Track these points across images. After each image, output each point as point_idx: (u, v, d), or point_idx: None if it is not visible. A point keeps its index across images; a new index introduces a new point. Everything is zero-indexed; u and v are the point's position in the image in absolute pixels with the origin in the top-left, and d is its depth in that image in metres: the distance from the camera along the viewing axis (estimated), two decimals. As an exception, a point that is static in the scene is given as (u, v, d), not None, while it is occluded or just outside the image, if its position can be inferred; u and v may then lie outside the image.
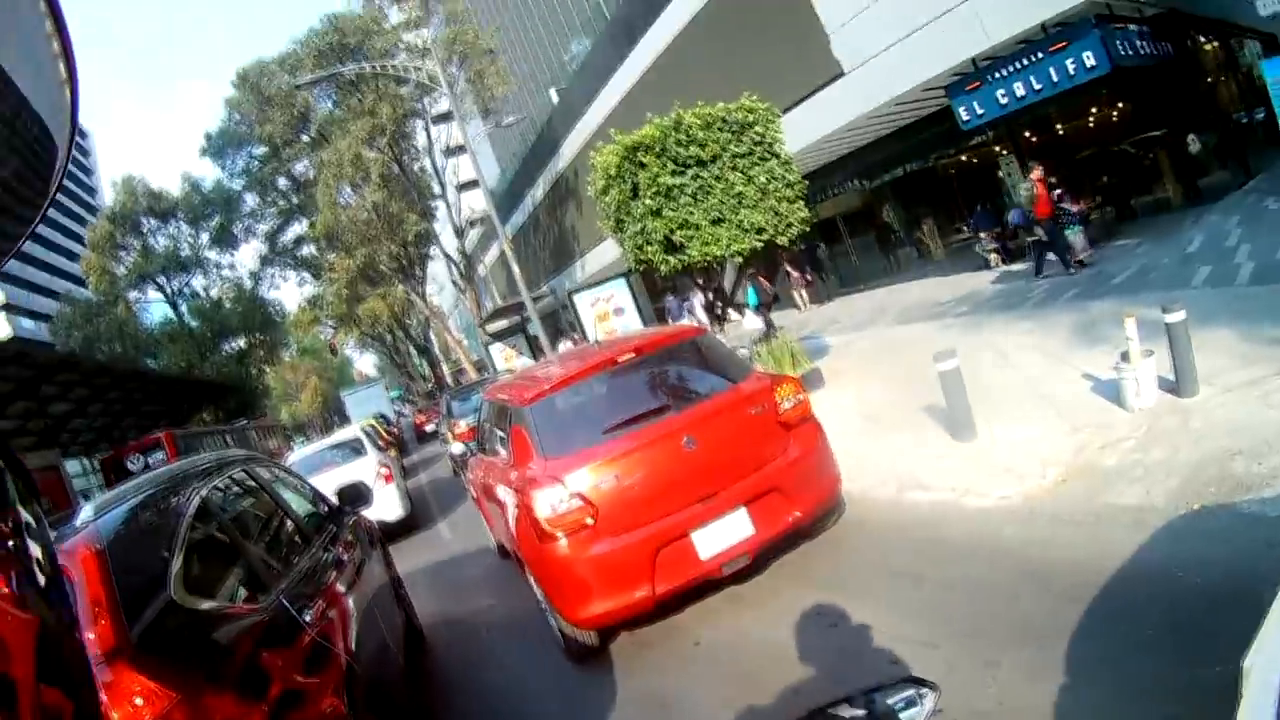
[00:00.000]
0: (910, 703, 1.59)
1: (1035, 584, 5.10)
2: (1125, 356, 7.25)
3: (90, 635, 2.77)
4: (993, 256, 20.29)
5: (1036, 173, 16.52)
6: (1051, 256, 16.46)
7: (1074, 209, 17.27)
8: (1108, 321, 9.79)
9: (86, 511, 3.58)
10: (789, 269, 26.21)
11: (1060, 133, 23.73)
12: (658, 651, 6.06)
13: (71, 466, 29.95)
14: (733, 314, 14.46)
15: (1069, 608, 4.58)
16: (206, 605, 3.57)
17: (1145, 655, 3.95)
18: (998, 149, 23.52)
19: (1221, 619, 3.65)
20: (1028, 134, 23.33)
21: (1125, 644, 4.13)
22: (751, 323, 16.33)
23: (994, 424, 8.08)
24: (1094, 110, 23.17)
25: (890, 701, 1.59)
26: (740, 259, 12.14)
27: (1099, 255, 16.60)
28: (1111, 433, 7.01)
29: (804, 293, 27.74)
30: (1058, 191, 17.27)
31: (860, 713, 1.55)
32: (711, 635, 5.99)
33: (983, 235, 20.72)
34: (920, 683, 1.63)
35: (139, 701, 2.69)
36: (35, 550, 1.14)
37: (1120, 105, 22.41)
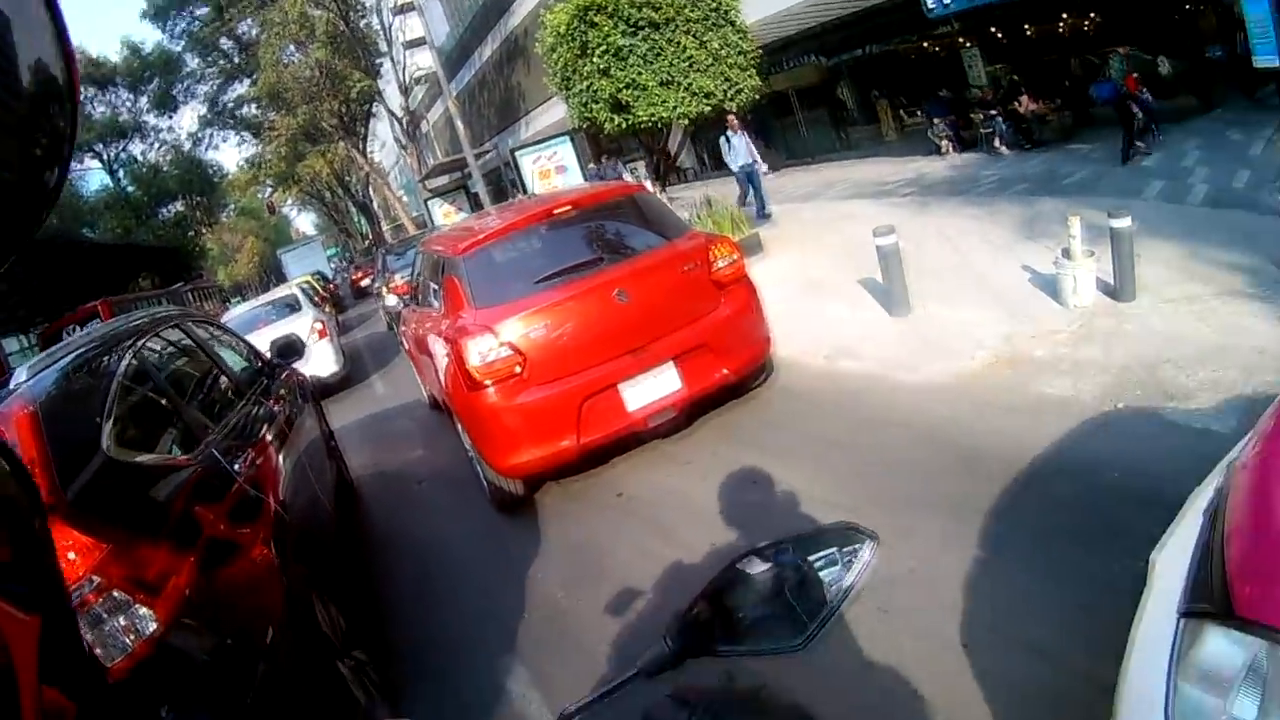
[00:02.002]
0: (841, 554, 1.58)
1: (958, 462, 5.17)
2: (1067, 253, 7.30)
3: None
4: (945, 143, 20.23)
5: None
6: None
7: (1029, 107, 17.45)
8: (1053, 219, 9.82)
9: (20, 373, 3.52)
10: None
11: (1028, 33, 23.54)
12: (582, 503, 6.15)
13: (9, 344, 29.33)
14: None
15: (988, 487, 4.67)
16: (140, 459, 3.57)
17: (1059, 541, 4.04)
18: (962, 40, 23.31)
19: (1136, 516, 3.68)
20: (994, 30, 23.13)
21: (1040, 527, 4.22)
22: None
23: (929, 303, 8.16)
24: (1065, 17, 22.97)
25: (822, 551, 1.56)
26: (687, 122, 12.04)
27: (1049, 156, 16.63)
28: (1045, 325, 7.09)
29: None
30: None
31: (791, 559, 1.51)
32: (635, 488, 6.07)
33: (936, 121, 20.63)
34: (858, 531, 1.59)
35: (72, 556, 2.70)
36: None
37: (1093, 16, 22.24)
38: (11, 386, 3.37)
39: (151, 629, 2.77)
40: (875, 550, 1.52)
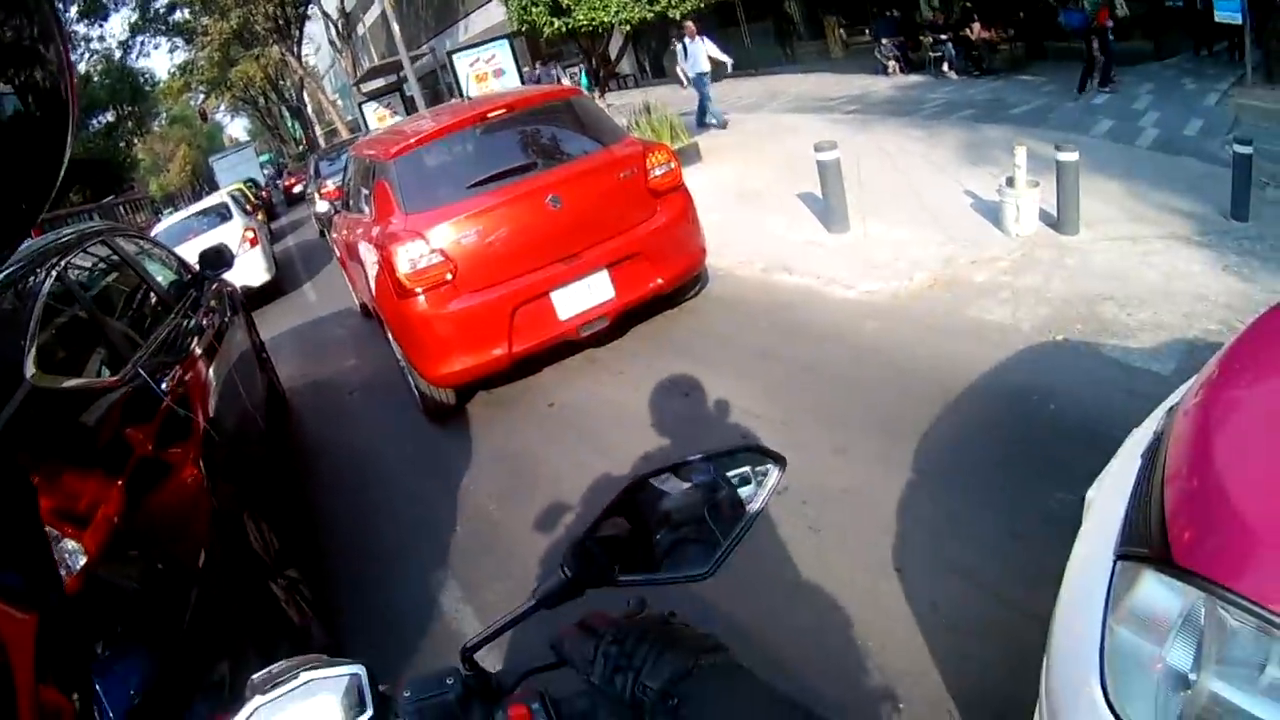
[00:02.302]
0: (754, 474, 1.54)
1: (893, 381, 5.19)
2: (1010, 182, 7.30)
3: None
4: (891, 64, 20.18)
5: None
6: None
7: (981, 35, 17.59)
8: (998, 146, 9.85)
9: None
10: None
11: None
12: (513, 412, 6.12)
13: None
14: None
15: (924, 408, 4.69)
16: (65, 384, 3.44)
17: (994, 467, 4.06)
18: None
19: (1072, 450, 3.74)
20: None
21: (976, 454, 4.23)
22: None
23: (868, 220, 8.13)
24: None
25: (733, 471, 1.52)
26: (629, 28, 11.82)
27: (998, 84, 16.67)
28: (985, 251, 7.10)
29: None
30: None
31: (703, 479, 1.46)
32: (566, 397, 6.06)
33: (885, 41, 20.53)
34: (766, 453, 1.54)
35: None
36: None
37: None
38: None
39: (81, 563, 2.68)
40: (783, 474, 1.46)
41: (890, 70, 20.06)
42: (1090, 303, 5.86)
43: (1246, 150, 7.28)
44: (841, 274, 7.12)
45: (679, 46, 15.91)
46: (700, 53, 15.87)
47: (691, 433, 5.08)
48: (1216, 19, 14.67)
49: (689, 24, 15.90)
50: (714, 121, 16.21)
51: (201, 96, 58.19)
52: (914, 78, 19.20)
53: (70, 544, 2.68)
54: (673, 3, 11.42)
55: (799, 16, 27.20)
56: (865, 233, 7.95)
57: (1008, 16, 19.84)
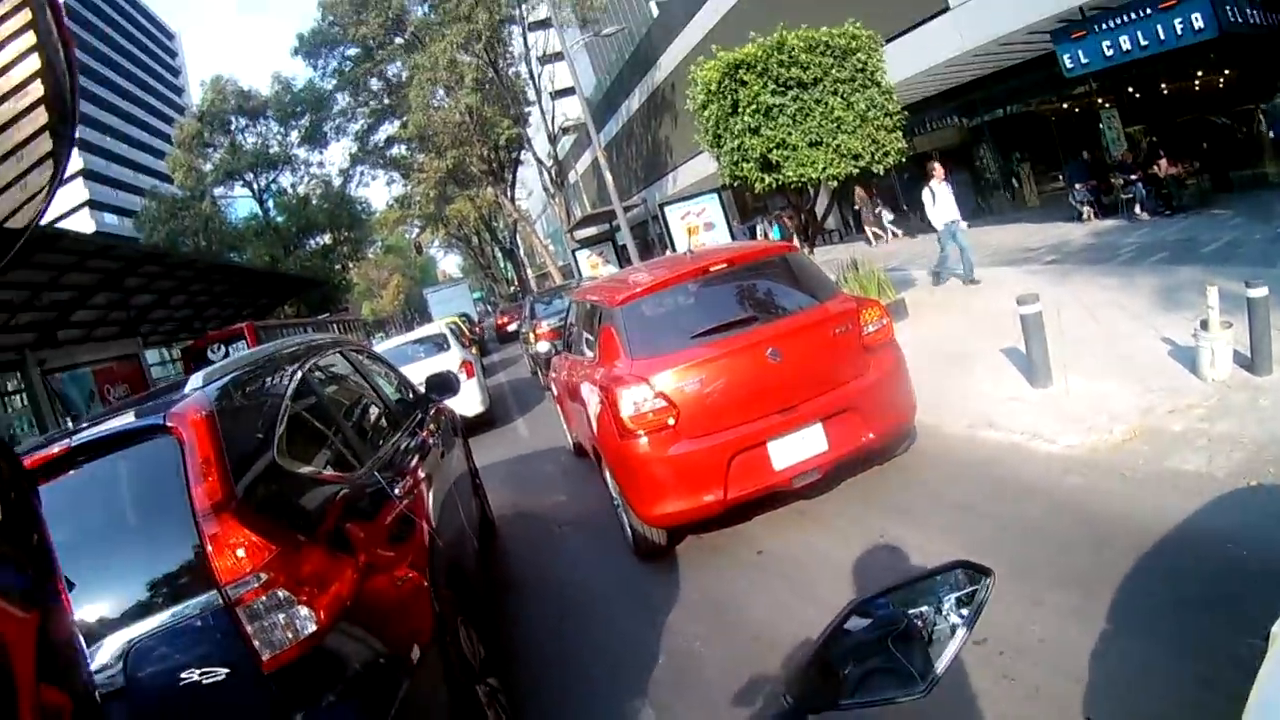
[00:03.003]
0: (964, 586, 1.66)
1: (1090, 533, 5.19)
2: (1204, 325, 7.17)
3: (199, 490, 3.00)
4: (1085, 209, 19.92)
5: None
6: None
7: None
8: (1191, 288, 9.64)
9: (195, 380, 3.76)
10: (864, 200, 25.95)
11: (1164, 92, 23.10)
12: (722, 556, 6.26)
13: (150, 356, 30.70)
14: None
15: (1119, 560, 4.68)
16: (305, 470, 3.82)
17: (1186, 615, 4.04)
18: (1100, 101, 22.98)
19: (1266, 593, 3.71)
20: (1131, 89, 22.76)
21: (1168, 602, 4.21)
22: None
23: (1070, 373, 8.06)
24: (1200, 74, 22.49)
25: (944, 587, 1.64)
26: (835, 183, 12.14)
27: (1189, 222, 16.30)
28: (1182, 399, 6.98)
29: (877, 229, 27.77)
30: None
31: (897, 613, 1.60)
32: (774, 545, 6.17)
33: (1078, 186, 20.32)
34: (973, 567, 1.65)
35: (241, 554, 2.92)
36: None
37: (1227, 72, 21.75)
38: (186, 391, 3.60)
39: (310, 629, 2.99)
40: (991, 587, 1.60)
41: (1085, 216, 19.83)
42: None
43: None
44: (1043, 429, 7.10)
45: (925, 191, 15.18)
46: (950, 197, 15.07)
47: (893, 582, 5.14)
48: None
49: (936, 165, 15.44)
50: (942, 273, 15.38)
51: (417, 230, 61.21)
52: (1108, 222, 18.95)
53: (304, 610, 2.99)
54: (875, 157, 11.66)
55: (993, 164, 27.20)
56: (1067, 386, 7.90)
57: (1192, 148, 19.57)
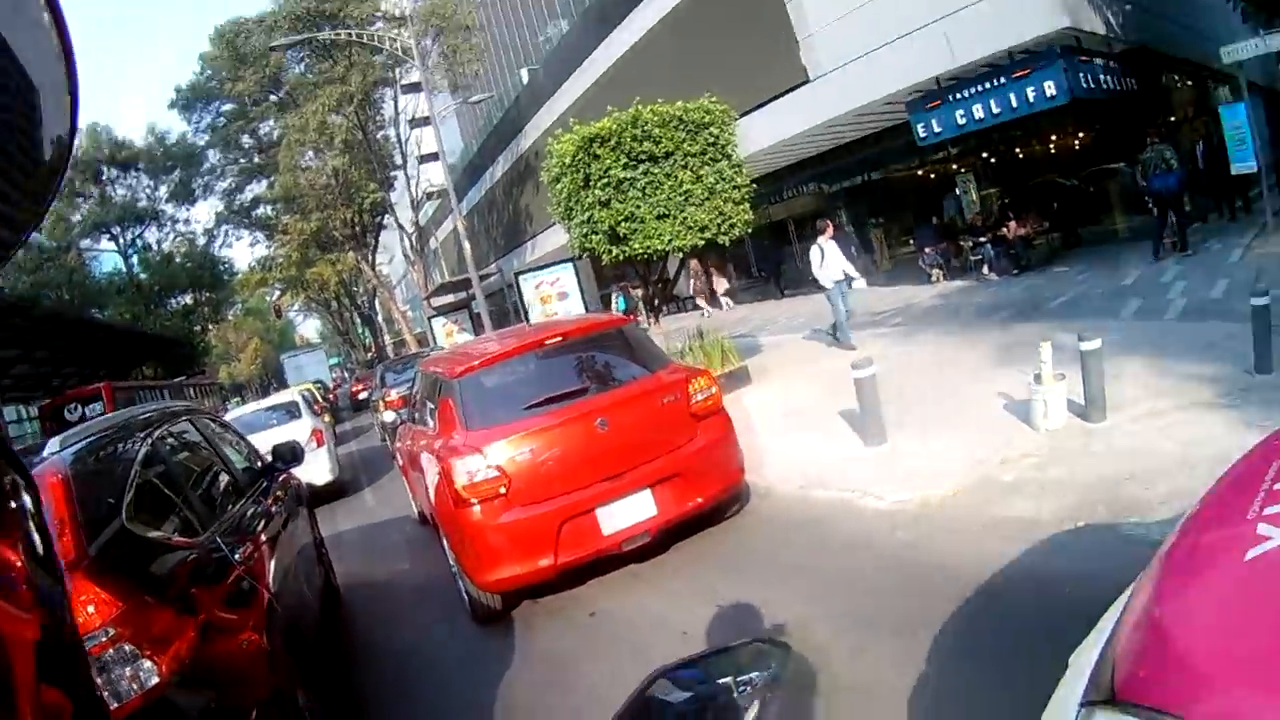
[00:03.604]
0: (760, 663, 1.66)
1: (915, 583, 5.40)
2: (1038, 379, 7.56)
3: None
4: (935, 272, 20.75)
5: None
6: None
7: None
8: (1030, 344, 9.99)
9: (53, 444, 3.93)
10: (697, 272, 26.60)
11: (1019, 155, 24.20)
12: (557, 619, 6.35)
13: (8, 413, 29.67)
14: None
15: (942, 606, 4.86)
16: (152, 534, 4.00)
17: (1007, 657, 4.19)
18: (955, 166, 23.94)
19: (1085, 627, 3.93)
20: (985, 154, 23.77)
21: (988, 644, 4.43)
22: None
23: (905, 432, 8.40)
24: (1055, 137, 23.67)
25: (739, 661, 1.66)
26: (681, 254, 12.41)
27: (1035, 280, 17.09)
28: (1015, 449, 7.31)
29: (706, 299, 28.94)
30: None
31: (702, 688, 1.61)
32: (608, 607, 6.29)
33: (927, 250, 21.18)
34: (772, 643, 1.69)
35: (91, 610, 3.07)
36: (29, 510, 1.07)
37: (1081, 135, 22.92)
38: (45, 455, 3.77)
39: (153, 682, 3.11)
40: (787, 661, 1.62)
41: (934, 278, 20.62)
42: (1113, 485, 6.04)
43: (1263, 301, 7.52)
44: (875, 486, 7.34)
45: (814, 249, 14.50)
46: (839, 257, 14.39)
47: (723, 640, 5.25)
48: (1233, 171, 15.40)
49: (824, 221, 15.07)
50: (845, 340, 14.40)
51: (277, 293, 60.24)
52: (957, 283, 19.74)
53: (147, 663, 3.13)
54: (722, 229, 11.96)
55: (850, 230, 28.06)
56: (901, 443, 8.21)
57: (1044, 208, 20.59)
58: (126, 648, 3.10)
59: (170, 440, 5.18)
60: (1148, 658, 1.94)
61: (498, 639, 6.32)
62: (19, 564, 0.95)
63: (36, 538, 1.00)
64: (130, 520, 3.76)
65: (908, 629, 4.75)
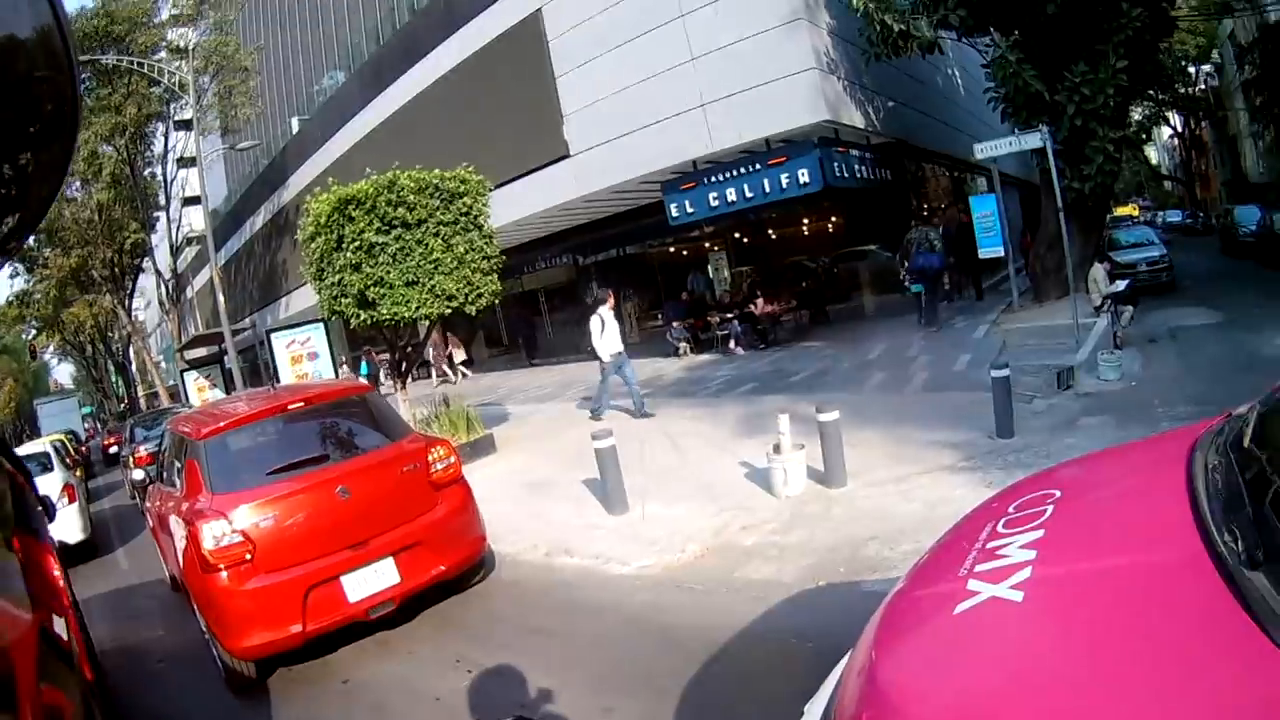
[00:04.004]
0: None
1: (660, 643, 5.75)
2: (777, 448, 8.09)
3: None
4: (682, 345, 21.33)
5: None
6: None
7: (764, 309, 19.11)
8: (772, 416, 10.39)
9: None
10: (436, 342, 27.01)
11: (773, 236, 25.32)
12: (312, 688, 6.38)
13: None
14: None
15: (687, 664, 5.20)
16: None
17: (751, 708, 4.57)
18: (709, 245, 24.95)
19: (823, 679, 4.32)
20: (738, 234, 24.84)
21: (731, 697, 4.77)
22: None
23: (648, 501, 8.77)
24: (808, 220, 24.88)
25: None
26: (428, 322, 12.57)
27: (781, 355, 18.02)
28: (755, 515, 7.77)
29: (446, 369, 29.31)
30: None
31: None
32: (360, 675, 6.37)
33: (675, 324, 21.72)
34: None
35: None
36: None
37: (835, 218, 24.21)
38: None
39: None
40: None
41: (681, 351, 21.20)
42: (854, 545, 6.52)
43: (1003, 373, 8.31)
44: (618, 552, 7.68)
45: (595, 319, 14.16)
46: (617, 329, 14.25)
47: (474, 707, 5.46)
48: (981, 255, 16.89)
49: (604, 290, 14.86)
50: (600, 408, 14.60)
51: (34, 331, 56.63)
52: (704, 356, 20.37)
53: None
54: (469, 298, 12.16)
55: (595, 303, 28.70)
56: (643, 512, 8.54)
57: (794, 287, 21.58)
58: None
59: None
60: (865, 707, 2.13)
61: (255, 709, 6.30)
62: (16, 563, 0.98)
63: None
64: None
65: (656, 687, 5.05)
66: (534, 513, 9.42)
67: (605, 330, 14.00)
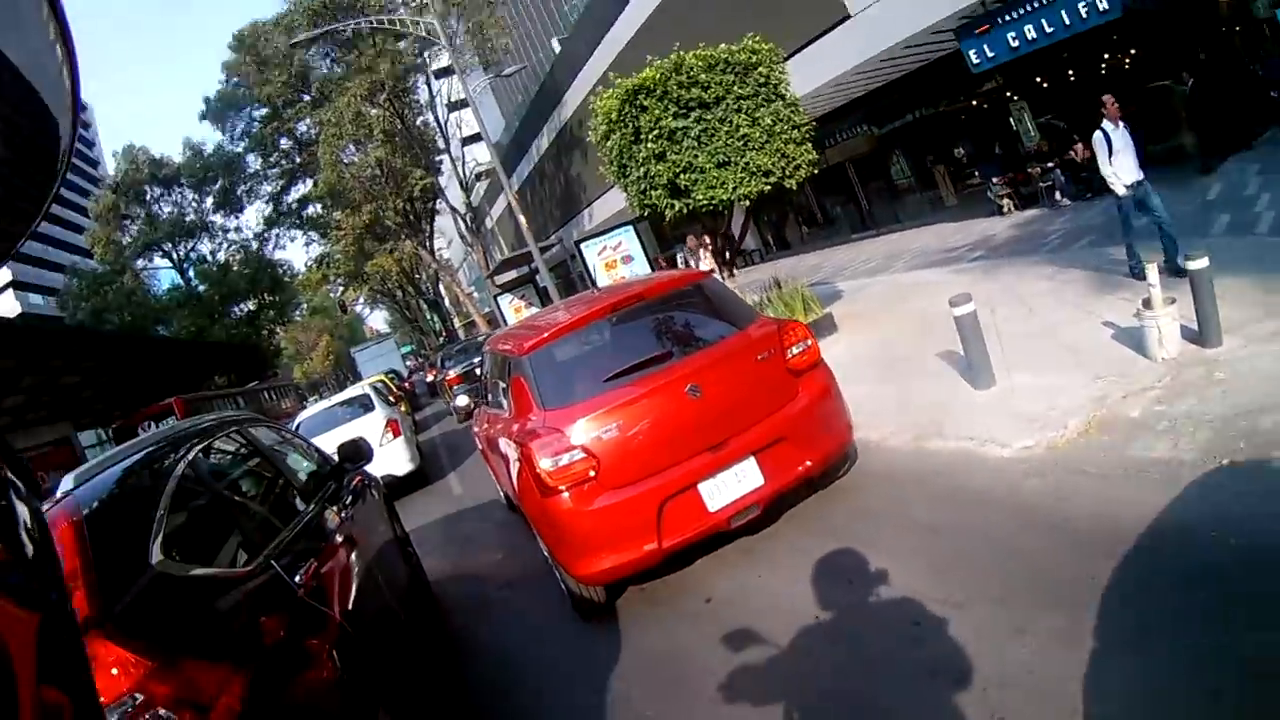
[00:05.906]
0: None
1: (1062, 540, 4.85)
2: (1147, 304, 7.02)
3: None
4: (1005, 202, 20.08)
5: None
6: None
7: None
8: (1124, 268, 9.66)
9: (66, 482, 3.48)
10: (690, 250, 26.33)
11: (1071, 79, 23.41)
12: (668, 609, 5.88)
13: (86, 438, 30.24)
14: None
15: (1099, 568, 4.35)
16: (191, 571, 3.45)
17: (1180, 621, 3.75)
18: (1009, 94, 23.25)
19: (1261, 582, 3.45)
20: (1038, 79, 23.00)
21: (1158, 609, 3.91)
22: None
23: (1013, 371, 7.87)
24: (1106, 57, 22.82)
25: None
26: (748, 202, 11.93)
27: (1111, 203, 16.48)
28: (1135, 382, 6.76)
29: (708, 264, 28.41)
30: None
31: None
32: (723, 591, 5.79)
33: (994, 180, 20.50)
34: None
35: (114, 671, 2.60)
36: (23, 513, 1.12)
37: (1132, 52, 22.08)
38: (57, 495, 3.30)
39: None
40: None
41: (1005, 209, 20.00)
42: (1250, 416, 5.50)
43: None
44: (994, 432, 6.80)
45: (1097, 137, 10.18)
46: (1130, 146, 10.11)
47: (857, 622, 4.78)
48: None
49: (1108, 97, 10.30)
50: (1139, 264, 9.43)
51: (340, 288, 60.80)
52: (1030, 212, 19.15)
53: None
54: (788, 172, 11.49)
55: (908, 169, 27.45)
56: (1012, 384, 7.66)
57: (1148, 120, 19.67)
58: (161, 712, 2.63)
59: (216, 456, 4.70)
60: None
61: (607, 635, 5.85)
62: (10, 561, 0.97)
63: (25, 537, 1.02)
64: (163, 559, 3.24)
65: (1067, 599, 4.24)
66: (892, 393, 8.64)
67: (1114, 151, 10.09)
